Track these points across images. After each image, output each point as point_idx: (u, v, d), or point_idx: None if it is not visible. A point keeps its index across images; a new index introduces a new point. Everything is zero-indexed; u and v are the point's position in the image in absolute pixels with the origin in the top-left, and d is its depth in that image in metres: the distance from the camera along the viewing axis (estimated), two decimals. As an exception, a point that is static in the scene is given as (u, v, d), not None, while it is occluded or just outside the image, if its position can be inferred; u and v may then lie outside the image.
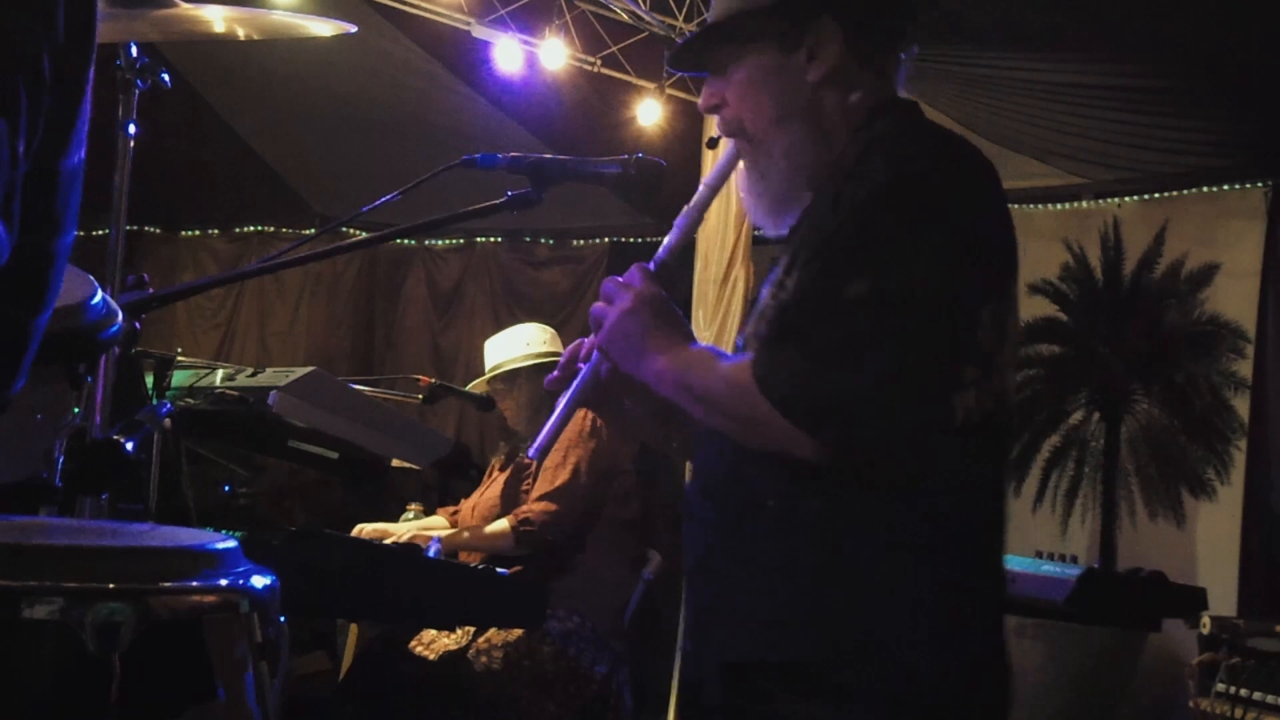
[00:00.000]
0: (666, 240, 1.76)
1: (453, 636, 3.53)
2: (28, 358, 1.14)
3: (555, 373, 1.79)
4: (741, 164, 1.78)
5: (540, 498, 3.61)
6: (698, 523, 1.70)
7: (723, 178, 1.80)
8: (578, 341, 1.79)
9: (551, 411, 1.76)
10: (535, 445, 1.73)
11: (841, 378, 1.48)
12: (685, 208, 1.78)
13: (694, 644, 1.69)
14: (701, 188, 1.80)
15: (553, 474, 3.62)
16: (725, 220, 5.27)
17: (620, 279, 1.70)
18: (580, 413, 3.68)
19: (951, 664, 1.56)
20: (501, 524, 3.63)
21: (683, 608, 1.75)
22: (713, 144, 1.83)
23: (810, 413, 1.49)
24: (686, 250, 1.75)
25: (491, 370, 3.92)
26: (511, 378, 3.87)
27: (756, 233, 5.12)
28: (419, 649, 3.54)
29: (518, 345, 3.90)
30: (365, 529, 3.83)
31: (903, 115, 1.72)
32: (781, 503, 1.57)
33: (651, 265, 1.72)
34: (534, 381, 3.77)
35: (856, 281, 1.49)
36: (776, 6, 1.70)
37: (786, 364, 1.51)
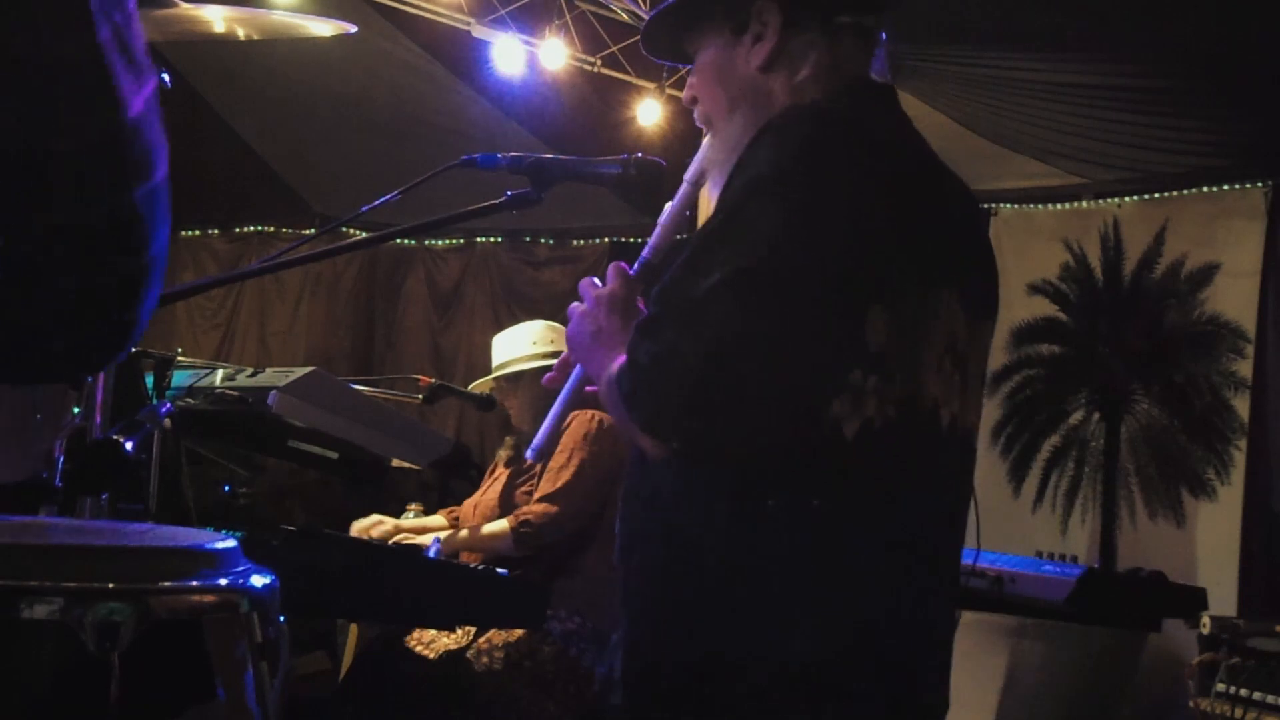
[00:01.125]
0: (650, 240, 1.73)
1: (453, 636, 3.53)
2: (145, 292, 1.17)
3: (553, 372, 1.79)
4: None
5: (541, 499, 3.61)
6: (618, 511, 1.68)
7: (702, 172, 1.76)
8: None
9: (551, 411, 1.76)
10: (533, 446, 1.73)
11: (680, 378, 1.41)
12: (667, 205, 1.76)
13: (634, 635, 1.65)
14: (683, 184, 1.77)
15: (555, 475, 3.61)
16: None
17: (595, 279, 1.69)
18: (585, 414, 3.68)
19: (775, 667, 1.52)
20: (501, 524, 3.62)
21: (622, 599, 1.70)
22: None
23: (649, 412, 1.45)
24: (678, 247, 1.72)
25: (497, 369, 3.91)
26: (516, 377, 3.87)
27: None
28: (419, 649, 3.54)
29: (523, 344, 3.89)
30: (361, 523, 3.82)
31: (833, 101, 1.62)
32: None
33: (635, 266, 1.70)
34: (539, 381, 3.77)
35: (710, 275, 1.42)
36: None
37: (637, 359, 1.46)
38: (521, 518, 3.58)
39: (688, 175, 1.77)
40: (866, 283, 1.46)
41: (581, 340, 1.64)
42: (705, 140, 1.76)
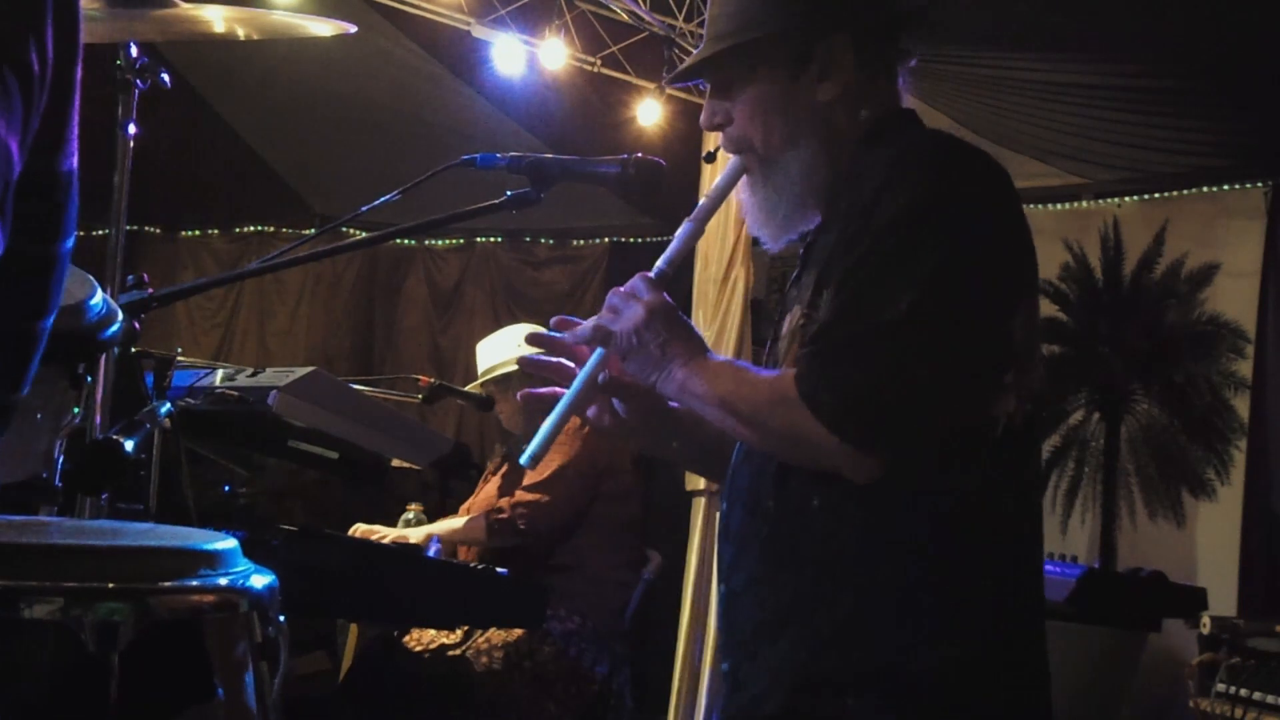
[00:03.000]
0: (668, 251, 1.75)
1: (452, 636, 3.53)
2: (33, 363, 1.13)
3: (535, 388, 1.79)
4: (747, 179, 1.77)
5: (519, 489, 3.64)
6: (741, 541, 1.70)
7: (725, 192, 1.79)
8: (563, 342, 1.77)
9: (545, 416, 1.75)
10: (528, 453, 1.72)
11: (891, 396, 1.50)
12: (687, 219, 1.77)
13: (735, 664, 1.69)
14: (704, 199, 1.79)
15: (538, 469, 3.63)
16: (725, 220, 5.27)
17: (624, 289, 1.69)
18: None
19: (955, 665, 1.57)
20: (479, 517, 3.67)
21: (719, 628, 1.76)
22: (710, 159, 1.83)
23: (862, 431, 1.51)
24: (686, 254, 1.74)
25: (484, 374, 3.92)
26: (504, 381, 3.87)
27: (756, 233, 5.11)
28: (419, 648, 3.54)
29: (509, 347, 3.89)
30: (360, 529, 3.83)
31: (917, 127, 1.74)
32: (784, 505, 1.58)
33: (652, 275, 1.71)
34: (527, 384, 3.76)
35: (900, 300, 1.50)
36: (784, 32, 1.69)
37: (835, 382, 1.51)
38: (495, 505, 3.61)
39: (711, 192, 1.80)
40: (1018, 294, 1.60)
41: (647, 354, 1.66)
42: (733, 161, 1.78)
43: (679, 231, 1.76)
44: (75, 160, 1.09)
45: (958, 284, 1.53)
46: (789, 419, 1.53)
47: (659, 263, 1.73)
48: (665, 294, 1.69)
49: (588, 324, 1.71)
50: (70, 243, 1.13)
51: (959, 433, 1.55)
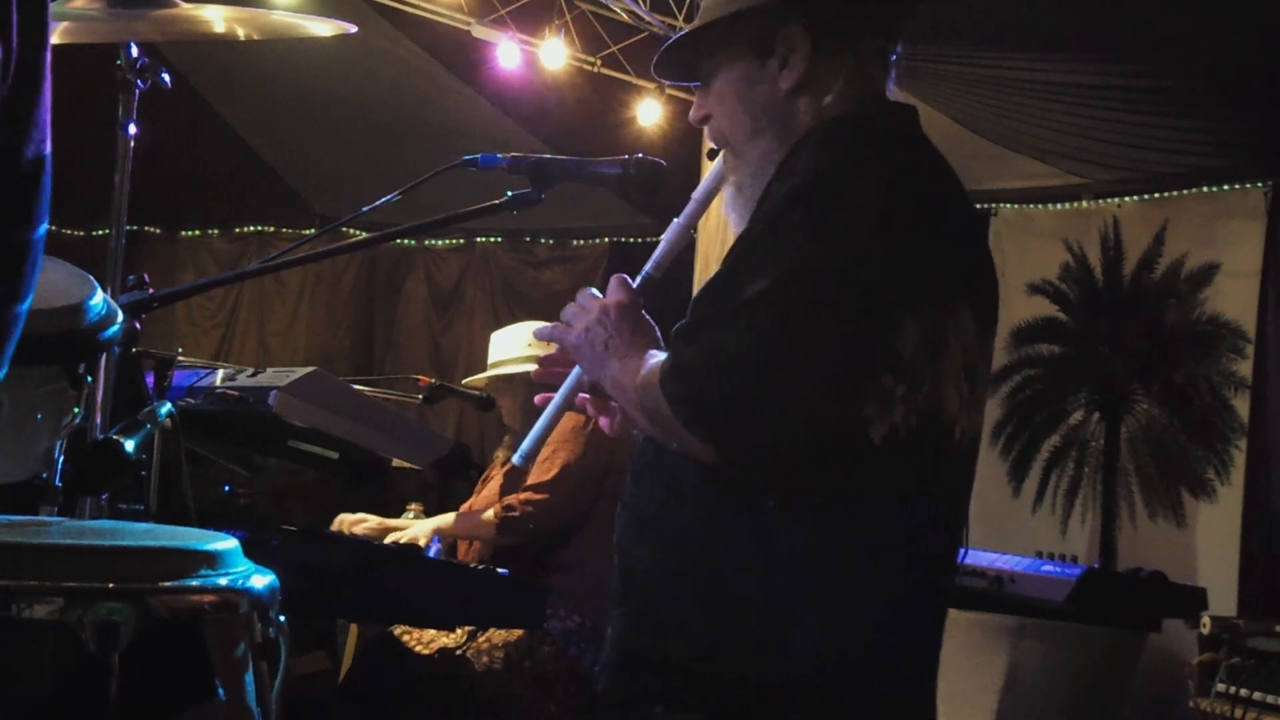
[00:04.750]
0: (655, 254, 1.73)
1: (452, 636, 3.53)
2: (9, 346, 1.12)
3: (543, 392, 1.79)
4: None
5: (526, 488, 3.63)
6: (622, 503, 1.71)
7: (711, 191, 1.77)
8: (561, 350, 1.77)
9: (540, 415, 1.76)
10: (521, 451, 1.72)
11: (728, 380, 1.43)
12: (674, 221, 1.76)
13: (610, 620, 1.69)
14: (691, 202, 1.78)
15: (542, 468, 3.63)
16: (725, 221, 5.27)
17: (594, 290, 1.68)
18: (571, 413, 3.69)
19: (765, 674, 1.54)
20: (487, 512, 3.66)
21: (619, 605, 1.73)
22: (713, 156, 1.81)
23: (697, 414, 1.45)
24: (684, 253, 1.73)
25: (491, 367, 3.92)
26: (510, 379, 3.87)
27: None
28: (418, 648, 3.54)
29: (517, 345, 3.89)
30: (345, 519, 3.82)
31: (866, 116, 1.65)
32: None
33: (638, 279, 1.69)
34: (531, 384, 3.77)
35: (756, 281, 1.44)
36: (743, 13, 1.65)
37: (683, 362, 1.47)
38: (505, 503, 3.60)
39: (696, 193, 1.78)
40: (900, 293, 1.50)
41: (592, 350, 1.63)
42: (718, 159, 1.76)
43: (665, 235, 1.75)
44: (47, 146, 1.09)
45: (819, 274, 1.45)
46: (650, 398, 1.50)
47: (646, 266, 1.72)
48: (635, 294, 1.65)
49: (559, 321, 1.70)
50: (44, 229, 1.13)
51: (821, 430, 1.46)
